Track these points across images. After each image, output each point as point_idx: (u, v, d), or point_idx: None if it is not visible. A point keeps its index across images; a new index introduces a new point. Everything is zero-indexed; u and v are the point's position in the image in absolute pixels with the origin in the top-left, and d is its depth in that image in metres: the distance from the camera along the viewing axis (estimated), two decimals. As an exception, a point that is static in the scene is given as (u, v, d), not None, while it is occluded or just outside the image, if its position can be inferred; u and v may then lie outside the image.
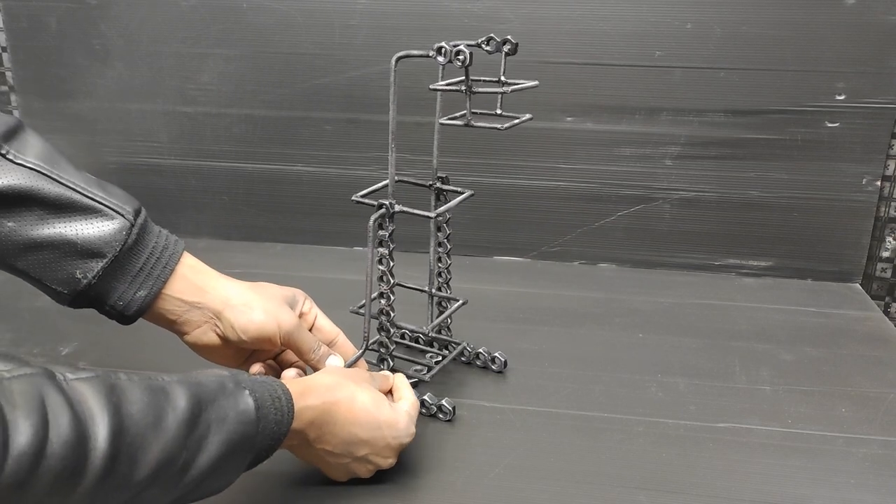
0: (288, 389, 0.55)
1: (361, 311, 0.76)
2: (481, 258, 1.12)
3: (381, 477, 0.65)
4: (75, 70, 1.13)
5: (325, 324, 0.71)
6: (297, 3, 1.06)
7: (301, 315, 0.69)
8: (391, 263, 0.72)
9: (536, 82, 0.68)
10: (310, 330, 0.69)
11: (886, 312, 1.10)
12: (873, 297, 1.05)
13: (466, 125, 0.66)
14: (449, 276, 0.81)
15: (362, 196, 0.73)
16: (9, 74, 1.17)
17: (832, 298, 1.02)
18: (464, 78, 0.64)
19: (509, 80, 0.66)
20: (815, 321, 0.95)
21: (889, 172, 1.04)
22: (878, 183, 1.03)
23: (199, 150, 1.14)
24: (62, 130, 1.17)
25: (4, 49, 1.15)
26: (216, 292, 0.64)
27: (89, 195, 0.60)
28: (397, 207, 0.70)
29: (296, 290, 0.70)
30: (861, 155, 1.02)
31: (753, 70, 1.00)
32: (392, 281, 0.72)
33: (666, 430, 0.72)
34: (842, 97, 1.00)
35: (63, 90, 1.15)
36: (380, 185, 0.74)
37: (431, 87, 0.68)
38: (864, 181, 1.03)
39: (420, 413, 0.73)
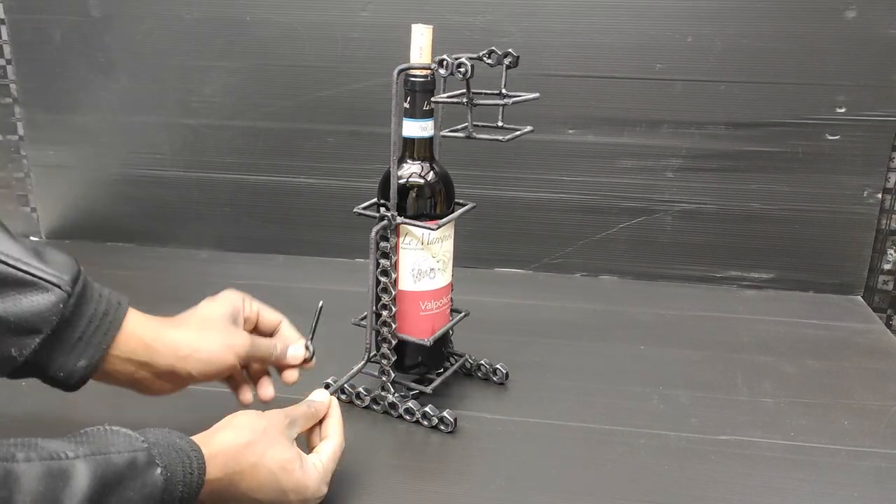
0: (203, 460, 0.52)
1: (363, 322, 0.76)
2: (483, 270, 1.13)
3: (383, 488, 0.65)
4: (79, 82, 1.14)
5: (269, 315, 0.70)
6: (299, 16, 1.06)
7: (247, 321, 0.68)
8: (393, 275, 0.72)
9: (537, 94, 0.68)
10: (257, 329, 0.69)
11: (888, 325, 1.09)
12: (875, 310, 1.05)
13: (468, 137, 0.66)
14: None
15: (364, 208, 0.74)
16: (13, 87, 1.17)
17: (834, 311, 1.01)
18: (465, 90, 0.64)
19: (510, 93, 0.67)
20: (817, 333, 0.95)
21: (890, 185, 1.04)
22: (879, 195, 1.03)
23: (201, 161, 1.15)
24: (66, 142, 1.17)
25: (9, 62, 1.16)
26: (164, 348, 0.61)
27: (22, 267, 0.56)
28: (399, 219, 0.70)
29: (232, 297, 0.68)
30: (862, 167, 1.02)
31: (754, 83, 1.01)
32: (394, 292, 0.72)
33: (668, 443, 0.72)
34: (842, 110, 1.00)
35: (67, 102, 1.15)
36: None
37: (433, 99, 0.69)
38: (865, 193, 1.03)
39: (422, 425, 0.74)
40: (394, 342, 0.74)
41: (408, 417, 0.74)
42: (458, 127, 0.68)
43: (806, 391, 0.81)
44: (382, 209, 0.72)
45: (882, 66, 0.98)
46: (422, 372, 0.78)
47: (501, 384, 0.81)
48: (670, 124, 1.03)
